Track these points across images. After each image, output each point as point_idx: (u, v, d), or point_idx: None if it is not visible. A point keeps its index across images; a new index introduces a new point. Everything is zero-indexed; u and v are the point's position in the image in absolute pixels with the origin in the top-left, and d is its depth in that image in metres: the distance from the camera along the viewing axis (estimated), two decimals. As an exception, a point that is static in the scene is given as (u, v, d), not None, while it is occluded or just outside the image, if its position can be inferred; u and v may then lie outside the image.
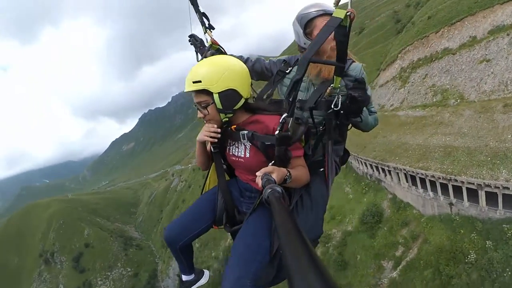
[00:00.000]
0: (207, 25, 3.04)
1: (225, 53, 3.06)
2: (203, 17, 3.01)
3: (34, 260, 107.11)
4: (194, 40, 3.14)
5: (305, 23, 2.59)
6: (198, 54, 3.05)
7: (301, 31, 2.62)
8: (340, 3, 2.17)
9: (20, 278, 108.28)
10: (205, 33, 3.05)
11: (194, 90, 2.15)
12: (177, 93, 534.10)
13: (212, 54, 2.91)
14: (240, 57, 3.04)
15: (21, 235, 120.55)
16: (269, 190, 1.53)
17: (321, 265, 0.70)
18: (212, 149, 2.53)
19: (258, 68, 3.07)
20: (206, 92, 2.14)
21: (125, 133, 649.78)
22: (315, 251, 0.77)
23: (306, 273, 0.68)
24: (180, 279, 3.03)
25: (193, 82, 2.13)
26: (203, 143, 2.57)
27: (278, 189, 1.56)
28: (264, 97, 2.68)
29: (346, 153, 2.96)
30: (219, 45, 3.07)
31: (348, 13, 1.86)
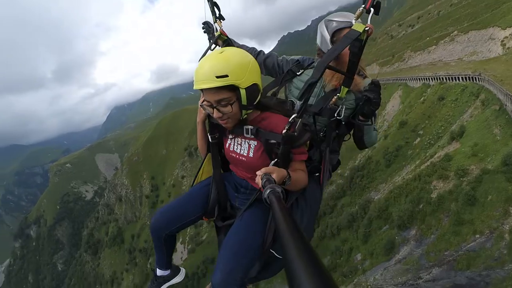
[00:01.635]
0: (217, 15, 3.04)
1: (232, 44, 3.14)
2: (214, 7, 3.02)
3: (179, 153, 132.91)
4: (207, 27, 3.15)
5: (334, 31, 2.68)
6: (211, 41, 3.05)
7: (329, 37, 2.69)
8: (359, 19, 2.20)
9: (165, 165, 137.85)
10: (214, 22, 3.06)
11: (214, 87, 2.02)
12: (317, 17, 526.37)
13: (224, 44, 3.03)
14: (252, 49, 3.19)
15: (170, 133, 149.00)
16: (269, 190, 1.56)
17: (321, 265, 0.72)
18: (210, 140, 2.59)
19: (269, 63, 3.11)
20: (229, 88, 2.05)
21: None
22: (315, 250, 0.80)
23: (306, 272, 0.70)
24: (154, 273, 3.02)
25: (217, 77, 1.99)
26: (204, 126, 2.61)
27: (278, 189, 1.59)
28: (268, 94, 2.70)
29: (338, 162, 3.06)
30: (227, 36, 3.10)
31: (366, 28, 2.02)
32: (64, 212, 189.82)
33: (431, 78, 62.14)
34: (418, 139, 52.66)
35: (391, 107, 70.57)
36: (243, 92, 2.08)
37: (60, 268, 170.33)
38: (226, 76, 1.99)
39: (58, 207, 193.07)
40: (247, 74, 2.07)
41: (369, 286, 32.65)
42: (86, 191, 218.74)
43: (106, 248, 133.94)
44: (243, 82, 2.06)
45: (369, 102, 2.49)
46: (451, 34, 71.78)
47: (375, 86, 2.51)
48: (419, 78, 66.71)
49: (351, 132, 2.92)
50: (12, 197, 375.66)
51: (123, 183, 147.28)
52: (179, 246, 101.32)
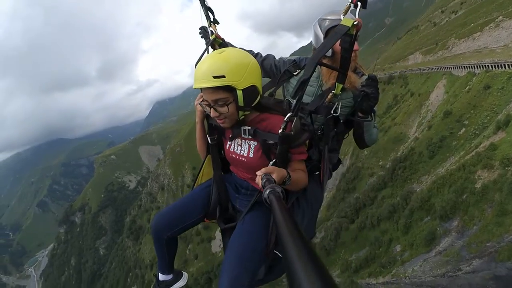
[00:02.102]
0: (212, 19, 3.07)
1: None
2: (208, 12, 3.04)
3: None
4: (204, 32, 3.17)
5: (327, 29, 2.71)
6: (207, 45, 3.06)
7: (322, 36, 2.72)
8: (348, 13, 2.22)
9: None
10: (209, 26, 3.10)
11: (212, 87, 2.05)
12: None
13: (220, 47, 2.99)
14: (250, 52, 3.11)
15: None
16: (269, 190, 1.56)
17: (321, 264, 0.72)
18: (210, 141, 2.61)
19: (267, 65, 3.14)
20: (226, 89, 2.07)
21: (303, 46, 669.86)
22: (315, 250, 0.79)
23: (306, 271, 0.70)
24: (157, 278, 3.02)
25: (214, 77, 2.01)
26: (203, 126, 2.65)
27: (278, 189, 1.59)
28: (265, 95, 2.66)
29: (338, 161, 3.07)
30: (222, 40, 3.12)
31: (355, 23, 2.01)
32: (108, 200, 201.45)
33: (476, 66, 60.19)
34: (463, 129, 51.34)
35: (435, 96, 68.79)
36: (239, 93, 2.10)
37: (102, 253, 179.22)
38: (223, 76, 2.02)
39: (102, 195, 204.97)
40: (245, 75, 2.09)
41: (407, 277, 32.80)
42: (130, 180, 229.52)
43: (147, 234, 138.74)
44: (240, 83, 2.08)
45: (367, 98, 2.54)
46: (496, 20, 68.63)
47: (372, 80, 2.56)
48: (464, 66, 64.60)
49: (350, 131, 2.99)
50: (58, 186, 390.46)
51: (166, 173, 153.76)
52: (217, 234, 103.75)
